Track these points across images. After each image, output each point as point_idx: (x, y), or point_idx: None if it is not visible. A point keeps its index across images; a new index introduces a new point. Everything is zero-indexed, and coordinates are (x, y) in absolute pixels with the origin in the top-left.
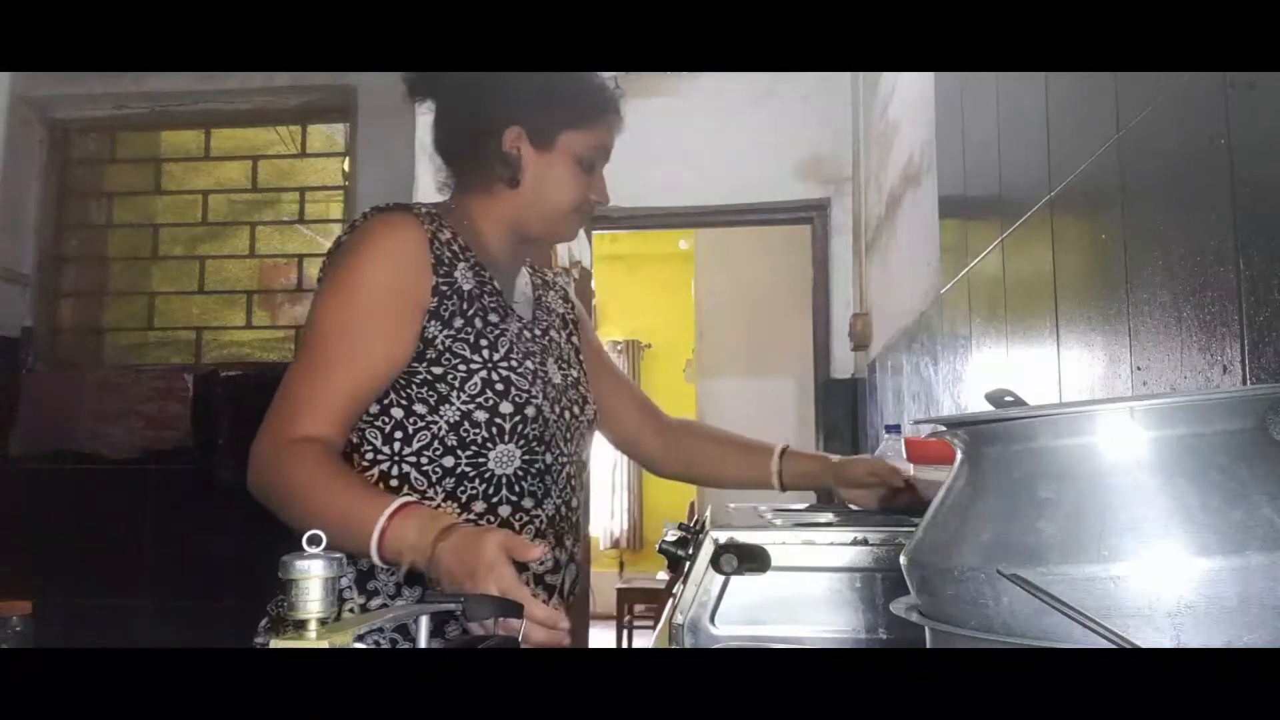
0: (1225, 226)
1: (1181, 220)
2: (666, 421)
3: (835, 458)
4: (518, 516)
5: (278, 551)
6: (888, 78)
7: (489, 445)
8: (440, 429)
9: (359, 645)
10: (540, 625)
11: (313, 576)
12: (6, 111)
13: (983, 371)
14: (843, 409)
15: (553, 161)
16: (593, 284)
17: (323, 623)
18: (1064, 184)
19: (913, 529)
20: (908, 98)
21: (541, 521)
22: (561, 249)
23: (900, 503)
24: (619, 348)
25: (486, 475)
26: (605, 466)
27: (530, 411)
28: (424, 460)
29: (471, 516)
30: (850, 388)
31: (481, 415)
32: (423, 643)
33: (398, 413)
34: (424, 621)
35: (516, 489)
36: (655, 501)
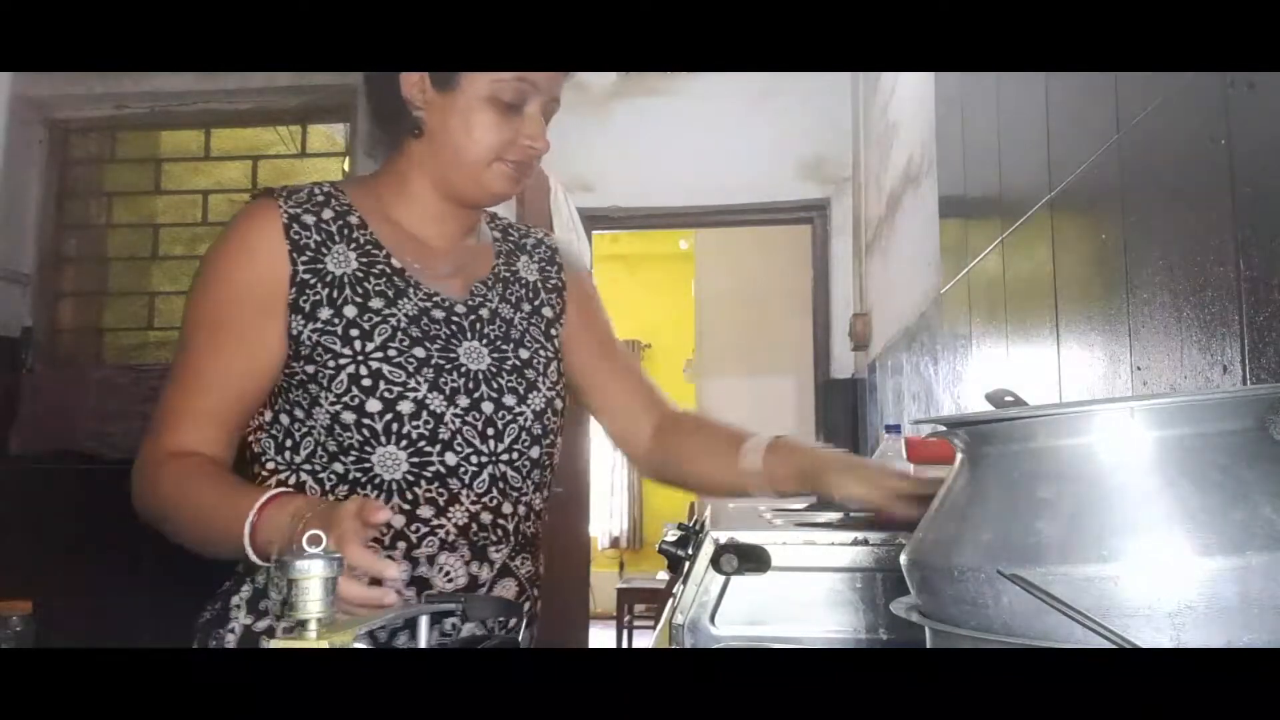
0: (1225, 226)
1: (1181, 220)
2: (661, 419)
3: (831, 459)
4: (413, 527)
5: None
6: (888, 78)
7: (368, 448)
8: (318, 433)
9: (359, 645)
10: (355, 578)
11: (313, 576)
12: (6, 111)
13: (983, 371)
14: (843, 409)
15: (457, 102)
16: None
17: (322, 622)
18: (1064, 184)
19: (912, 529)
20: (908, 98)
21: (448, 532)
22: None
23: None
24: None
25: (376, 481)
26: (605, 467)
27: (406, 408)
28: (316, 467)
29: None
30: (850, 388)
31: (349, 416)
32: (423, 643)
33: (284, 418)
34: (424, 621)
35: (409, 495)
36: (655, 501)
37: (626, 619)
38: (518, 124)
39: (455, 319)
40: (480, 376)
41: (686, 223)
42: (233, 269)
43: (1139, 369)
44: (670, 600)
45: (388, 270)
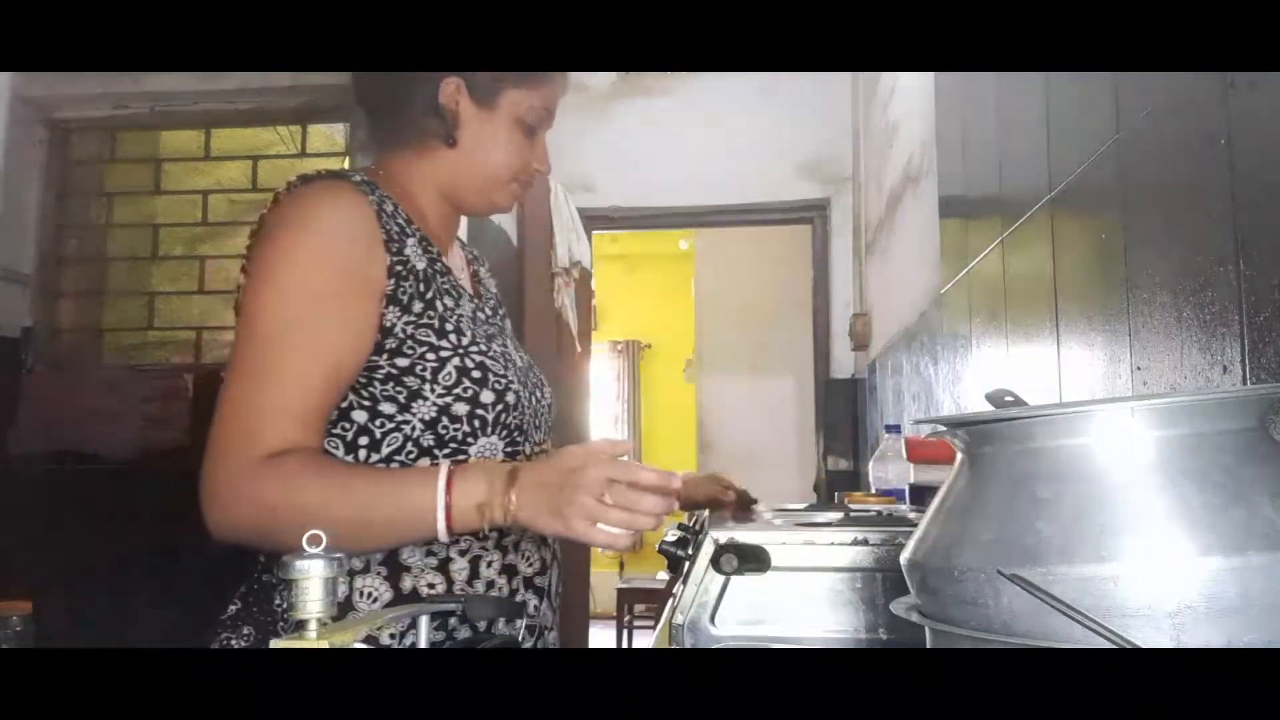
0: (1225, 226)
1: (1181, 220)
2: None
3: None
4: None
5: (277, 550)
6: (887, 78)
7: (470, 440)
8: (414, 428)
9: (359, 645)
10: (651, 489)
11: (313, 576)
12: (6, 111)
13: (983, 371)
14: (843, 409)
15: (494, 120)
16: (593, 284)
17: (323, 623)
18: (1064, 184)
19: (913, 529)
20: (908, 98)
21: None
22: (561, 249)
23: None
24: (619, 348)
25: None
26: None
27: (511, 398)
28: (403, 462)
29: None
30: (850, 388)
31: (462, 408)
32: (423, 643)
33: (360, 416)
34: (424, 621)
35: None
36: None
37: (626, 619)
38: (531, 147)
39: (491, 319)
40: (523, 371)
41: (686, 223)
42: (324, 253)
43: (1139, 369)
44: (670, 600)
45: (445, 269)
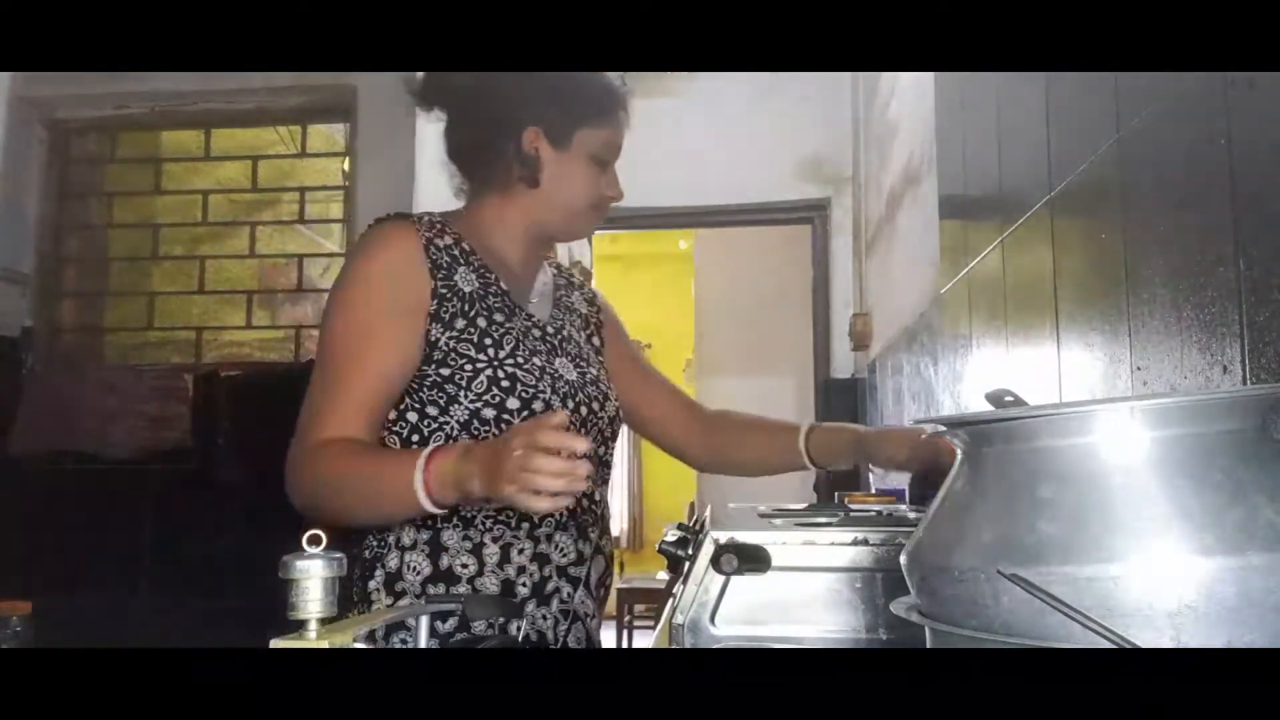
0: (1225, 226)
1: (1181, 220)
2: (706, 418)
3: (865, 429)
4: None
5: (278, 550)
6: (888, 78)
7: None
8: (452, 429)
9: (359, 645)
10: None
11: (313, 576)
12: (6, 111)
13: (983, 371)
14: (843, 409)
15: (570, 160)
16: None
17: (323, 623)
18: (1064, 184)
19: (913, 529)
20: (908, 98)
21: (562, 513)
22: (561, 249)
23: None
24: None
25: None
26: None
27: (538, 406)
28: None
29: (490, 511)
30: (850, 388)
31: (489, 412)
32: (423, 643)
33: (412, 416)
34: (424, 621)
35: None
36: (655, 501)
37: (626, 619)
38: (604, 178)
39: (548, 337)
40: (574, 384)
41: (686, 223)
42: (378, 282)
43: (1139, 369)
44: (670, 600)
45: (499, 290)
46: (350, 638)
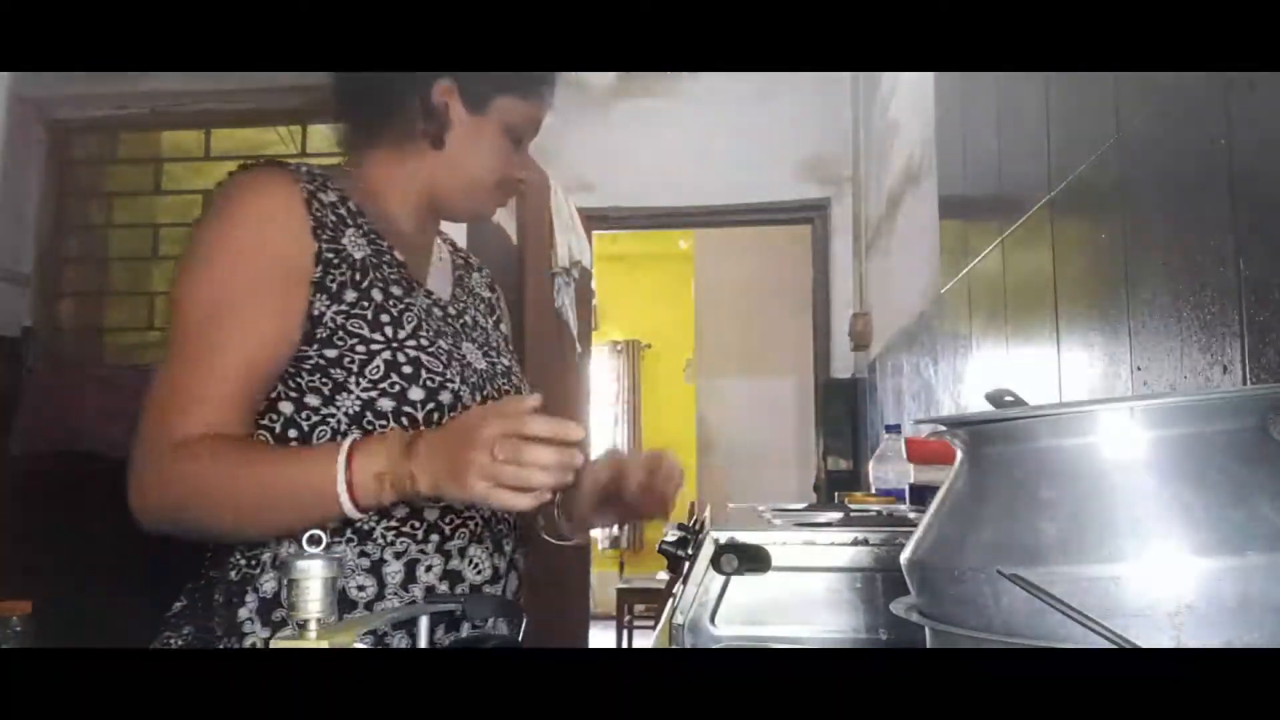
0: (1225, 226)
1: (1181, 220)
2: None
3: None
4: (447, 519)
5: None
6: (888, 78)
7: None
8: (339, 422)
9: (359, 645)
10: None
11: (313, 576)
12: (6, 111)
13: (983, 371)
14: (843, 409)
15: (484, 125)
16: (593, 284)
17: (322, 623)
18: (1064, 184)
19: (913, 529)
20: (908, 98)
21: (477, 524)
22: (561, 249)
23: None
24: (619, 348)
25: None
26: None
27: (446, 398)
28: None
29: (393, 523)
30: (850, 388)
31: (387, 404)
32: (423, 643)
33: (287, 407)
34: (424, 621)
35: None
36: None
37: (626, 619)
38: (516, 156)
39: (450, 319)
40: (484, 374)
41: (686, 223)
42: (254, 240)
43: (1139, 369)
44: (670, 600)
45: (395, 261)
46: (351, 638)
